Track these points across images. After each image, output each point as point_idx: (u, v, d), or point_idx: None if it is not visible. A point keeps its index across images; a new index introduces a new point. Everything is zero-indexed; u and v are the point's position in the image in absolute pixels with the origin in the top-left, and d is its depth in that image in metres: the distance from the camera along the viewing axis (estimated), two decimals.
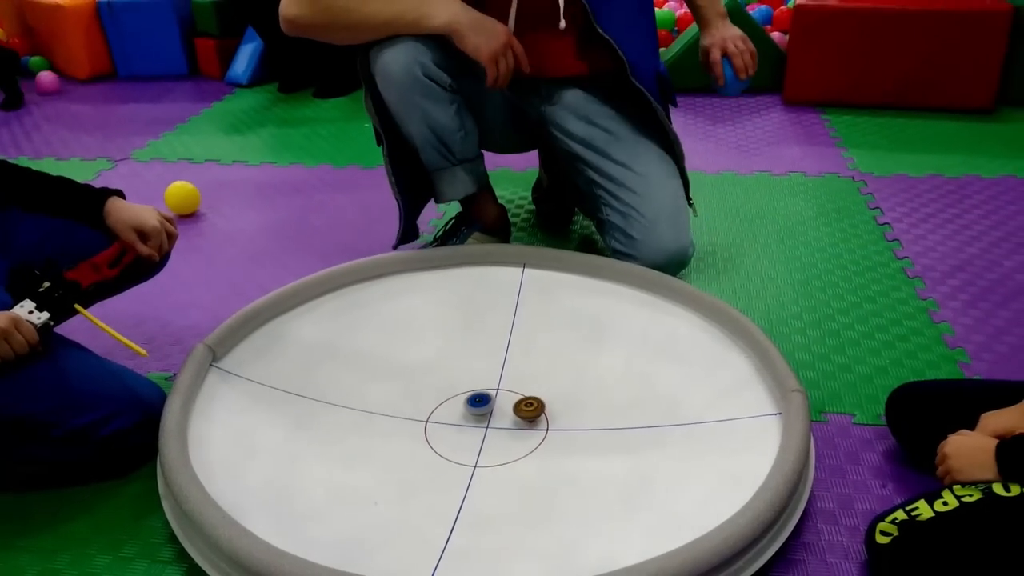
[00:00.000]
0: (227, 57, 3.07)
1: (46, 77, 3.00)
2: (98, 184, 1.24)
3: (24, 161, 2.32)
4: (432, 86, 1.42)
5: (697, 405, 1.17)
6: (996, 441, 0.93)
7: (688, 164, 1.56)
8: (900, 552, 0.87)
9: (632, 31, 1.47)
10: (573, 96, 1.54)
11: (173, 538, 1.01)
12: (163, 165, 2.27)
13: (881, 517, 0.91)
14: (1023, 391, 1.01)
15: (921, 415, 1.08)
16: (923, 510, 0.88)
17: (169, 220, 1.28)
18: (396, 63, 1.40)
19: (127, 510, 1.08)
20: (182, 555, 0.98)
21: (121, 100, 2.90)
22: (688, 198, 1.54)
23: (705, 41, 1.54)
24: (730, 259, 1.66)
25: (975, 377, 1.28)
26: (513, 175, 2.09)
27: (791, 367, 1.14)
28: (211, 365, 1.21)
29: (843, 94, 2.50)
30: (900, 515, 0.89)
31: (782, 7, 2.90)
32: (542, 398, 1.20)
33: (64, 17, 3.03)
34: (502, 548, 0.97)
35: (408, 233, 1.62)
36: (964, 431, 0.98)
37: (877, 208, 1.86)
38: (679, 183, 1.51)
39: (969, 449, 0.95)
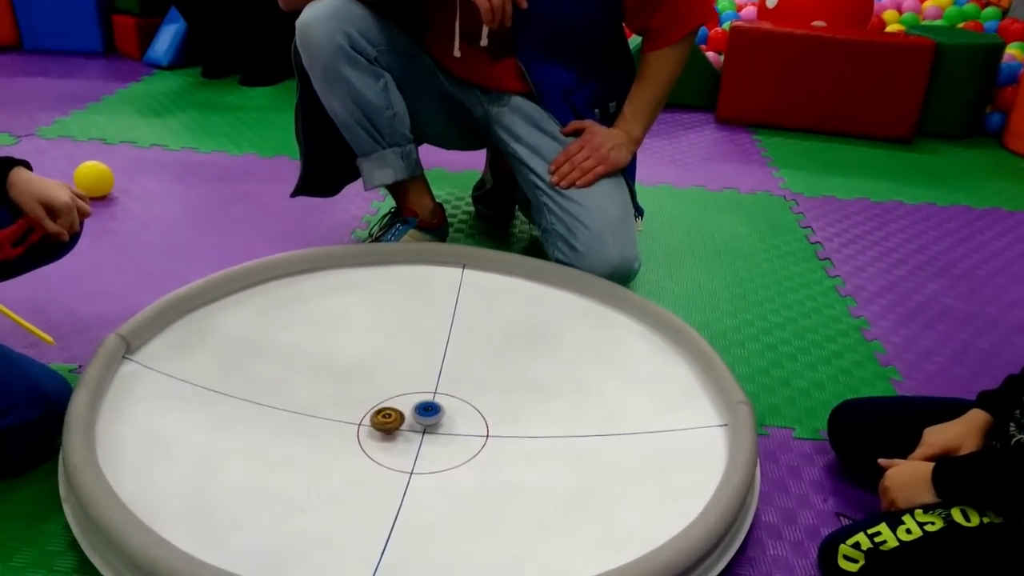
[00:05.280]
0: (147, 37, 2.91)
1: None
2: None
3: None
4: (357, 58, 1.37)
5: (640, 416, 1.14)
6: (931, 466, 0.93)
7: None
8: None
9: (551, 60, 1.45)
10: (522, 101, 1.50)
11: (74, 546, 0.91)
12: (72, 144, 2.12)
13: (840, 538, 0.90)
14: (959, 408, 1.02)
15: (861, 431, 1.09)
16: (887, 537, 0.87)
17: (81, 197, 1.17)
18: (319, 31, 1.36)
19: (22, 513, 0.97)
20: (84, 565, 0.89)
21: (26, 73, 2.70)
22: (636, 207, 1.53)
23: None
24: (669, 270, 1.66)
25: (910, 395, 1.30)
26: (449, 175, 2.04)
27: (736, 379, 1.13)
28: (124, 357, 1.11)
29: (773, 116, 2.55)
30: (863, 540, 0.88)
31: (717, 28, 2.95)
32: (479, 407, 1.15)
33: None
34: (440, 561, 0.91)
35: (312, 186, 1.58)
36: (899, 461, 0.98)
37: (808, 227, 1.89)
38: (626, 194, 1.49)
39: (906, 478, 0.94)
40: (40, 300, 1.39)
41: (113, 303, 1.41)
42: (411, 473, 1.04)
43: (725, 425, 1.08)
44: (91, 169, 1.79)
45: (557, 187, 1.45)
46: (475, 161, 1.90)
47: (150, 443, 1.00)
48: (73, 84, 2.60)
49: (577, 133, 1.48)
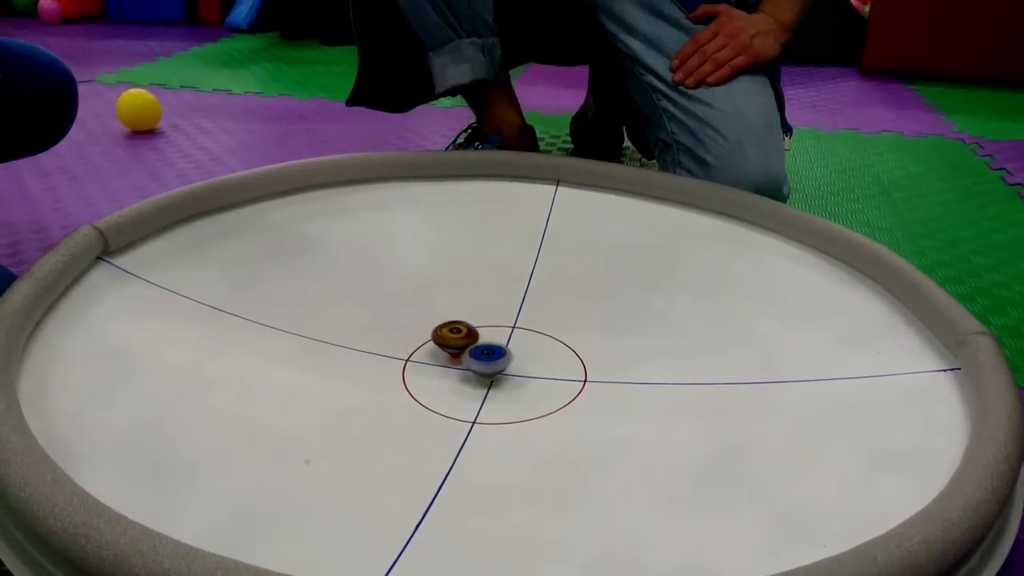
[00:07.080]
0: (229, 3, 2.76)
1: (48, 5, 2.70)
2: None
3: None
4: None
5: (812, 359, 0.78)
6: None
7: None
8: None
9: None
10: None
11: None
12: (129, 87, 1.92)
13: None
14: None
15: None
16: None
17: None
18: None
19: None
20: None
21: (104, 36, 2.57)
22: (783, 122, 1.17)
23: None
24: (825, 205, 1.28)
25: None
26: (543, 118, 1.73)
27: (963, 305, 0.76)
28: (99, 258, 0.83)
29: (931, 64, 2.13)
30: None
31: None
32: (573, 345, 0.82)
33: None
34: (508, 538, 0.58)
35: (373, 94, 1.29)
36: None
37: (1002, 169, 1.48)
38: (772, 97, 1.14)
39: None
40: (41, 219, 1.15)
41: None
42: (473, 423, 0.71)
43: (955, 369, 0.70)
44: (136, 97, 1.57)
45: (681, 86, 1.11)
46: (575, 101, 1.59)
47: (108, 359, 0.71)
48: (149, 44, 2.45)
49: (708, 20, 1.15)
